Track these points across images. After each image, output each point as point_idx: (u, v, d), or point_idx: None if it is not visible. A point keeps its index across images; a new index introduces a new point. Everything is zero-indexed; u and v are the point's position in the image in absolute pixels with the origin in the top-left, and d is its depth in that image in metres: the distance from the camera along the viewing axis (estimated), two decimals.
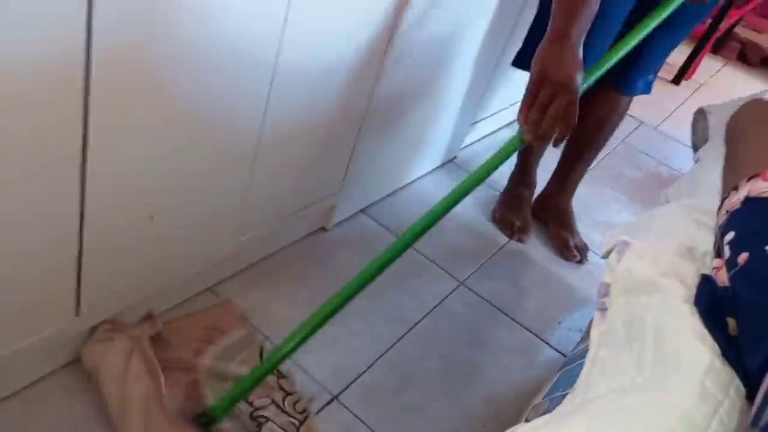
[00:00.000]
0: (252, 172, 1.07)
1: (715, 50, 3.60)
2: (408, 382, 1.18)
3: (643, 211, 1.92)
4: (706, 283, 0.56)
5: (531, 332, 1.39)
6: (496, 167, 0.93)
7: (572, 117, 0.86)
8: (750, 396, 0.49)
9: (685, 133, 1.31)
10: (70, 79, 0.69)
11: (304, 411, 1.03)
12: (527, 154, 1.64)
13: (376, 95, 1.24)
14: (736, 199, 0.63)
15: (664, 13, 1.08)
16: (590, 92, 1.18)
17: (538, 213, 1.71)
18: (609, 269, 0.60)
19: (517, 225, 1.63)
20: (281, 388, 1.05)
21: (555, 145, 0.91)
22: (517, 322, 1.40)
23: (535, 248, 1.65)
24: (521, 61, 1.47)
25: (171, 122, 0.86)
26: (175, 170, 0.92)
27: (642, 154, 2.27)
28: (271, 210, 1.21)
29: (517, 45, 1.70)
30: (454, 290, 1.43)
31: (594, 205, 1.93)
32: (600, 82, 1.07)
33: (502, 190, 1.74)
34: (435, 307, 1.37)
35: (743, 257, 0.56)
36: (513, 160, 1.70)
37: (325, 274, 1.34)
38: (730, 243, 0.58)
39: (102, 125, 0.76)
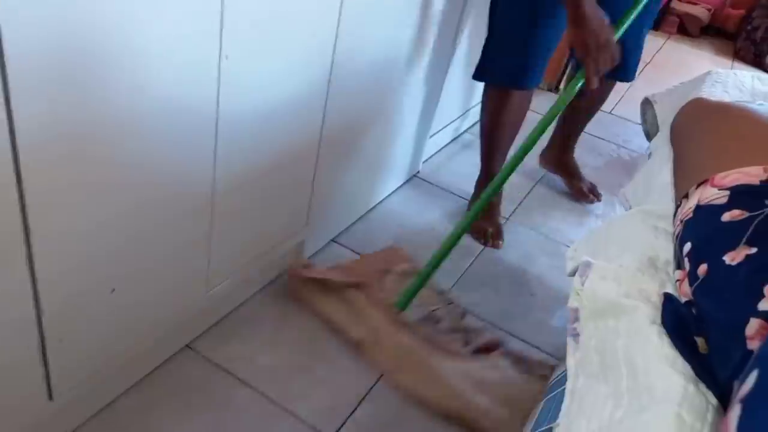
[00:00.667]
0: (212, 225, 1.05)
1: (656, 27, 3.68)
2: (402, 412, 1.17)
3: (609, 197, 1.94)
4: (668, 302, 0.56)
5: (519, 339, 1.39)
6: (564, 104, 1.29)
7: (616, 58, 1.26)
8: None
9: (638, 115, 1.33)
10: None
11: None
12: (492, 163, 1.66)
13: (326, 127, 1.24)
14: (687, 207, 0.63)
15: None
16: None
17: (549, 168, 1.95)
18: (574, 293, 0.60)
19: (490, 231, 1.65)
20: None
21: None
22: (504, 331, 1.40)
23: (510, 251, 1.66)
24: (481, 74, 1.52)
25: (116, 190, 0.83)
26: (129, 238, 0.90)
27: (601, 141, 2.30)
28: (238, 258, 1.19)
29: (461, 54, 1.71)
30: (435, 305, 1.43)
31: (562, 197, 1.95)
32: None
33: (469, 200, 1.75)
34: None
35: (702, 269, 0.56)
36: (476, 171, 1.71)
37: (304, 311, 1.33)
38: (688, 254, 0.59)
39: (40, 203, 0.73)
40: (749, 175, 0.60)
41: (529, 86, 1.49)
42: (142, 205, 0.89)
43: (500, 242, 1.65)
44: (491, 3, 1.45)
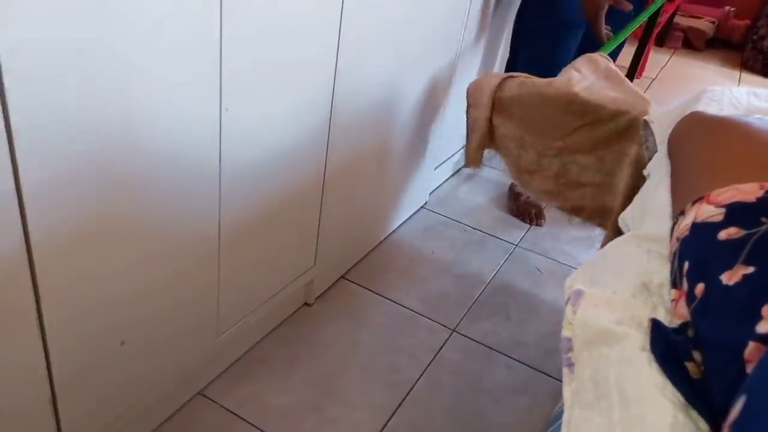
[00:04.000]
0: (219, 272, 1.07)
1: (660, 43, 3.69)
2: None
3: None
4: (656, 328, 0.56)
5: (531, 367, 1.37)
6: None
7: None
8: None
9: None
10: (6, 222, 0.70)
11: None
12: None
13: (329, 167, 1.26)
14: (684, 225, 0.63)
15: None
16: None
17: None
18: (567, 322, 0.60)
19: (533, 212, 1.86)
20: None
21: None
22: (516, 360, 1.38)
23: (519, 277, 1.65)
24: None
25: (123, 244, 0.86)
26: (138, 289, 0.92)
27: None
28: (246, 302, 1.20)
29: (459, 86, 1.74)
30: (447, 339, 1.42)
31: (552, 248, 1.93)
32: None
33: (508, 189, 1.95)
34: (431, 361, 1.36)
35: (700, 289, 0.55)
36: (483, 200, 1.73)
37: (315, 350, 1.33)
38: (687, 274, 0.58)
39: (48, 257, 0.75)
40: (745, 192, 0.59)
41: None
42: (149, 257, 0.91)
43: (543, 221, 1.86)
44: (517, 17, 1.69)
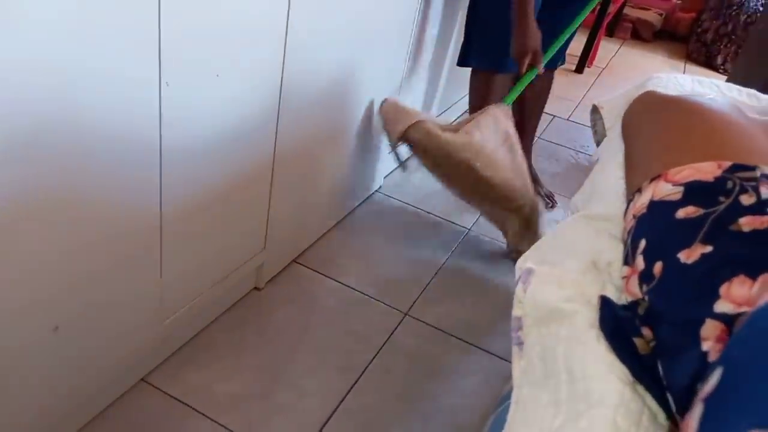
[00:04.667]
0: (162, 256, 1.03)
1: (610, 33, 3.77)
2: (368, 430, 1.15)
3: (569, 202, 1.96)
4: (605, 305, 0.56)
5: (483, 350, 1.38)
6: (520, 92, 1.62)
7: (541, 60, 1.57)
8: (669, 416, 0.48)
9: None
10: None
11: None
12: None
13: (279, 149, 1.22)
14: (641, 203, 0.62)
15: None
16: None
17: None
18: (517, 301, 0.60)
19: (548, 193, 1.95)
20: None
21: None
22: (468, 342, 1.39)
23: (472, 262, 1.66)
24: (466, 61, 1.75)
25: (57, 225, 0.81)
26: (72, 273, 0.87)
27: (559, 147, 2.33)
28: (192, 286, 1.16)
29: (413, 69, 1.73)
30: (399, 323, 1.41)
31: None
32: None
33: None
34: (383, 344, 1.35)
35: (658, 267, 0.54)
36: (436, 185, 1.74)
37: (264, 335, 1.30)
38: (643, 252, 0.57)
39: None
40: (703, 171, 0.59)
41: (510, 70, 1.67)
42: (85, 239, 0.86)
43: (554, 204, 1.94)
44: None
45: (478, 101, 1.75)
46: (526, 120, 1.93)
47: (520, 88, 1.62)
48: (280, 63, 1.11)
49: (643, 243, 0.58)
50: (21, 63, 0.67)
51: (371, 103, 1.56)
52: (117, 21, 0.76)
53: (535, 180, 1.97)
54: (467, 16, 1.73)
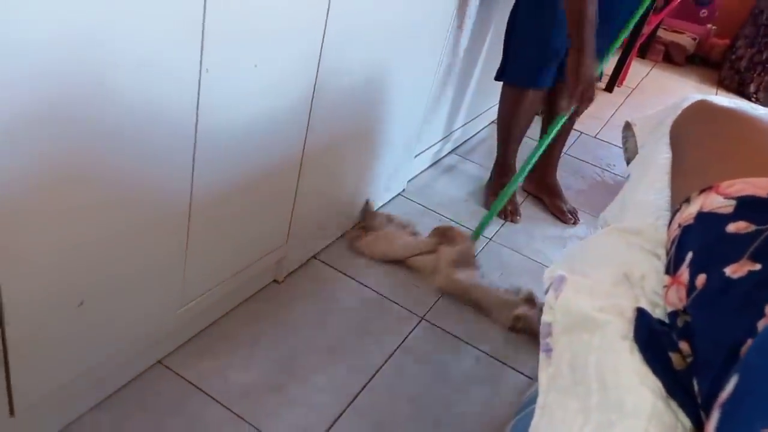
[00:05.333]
0: (188, 241, 1.03)
1: (642, 55, 3.74)
2: (377, 430, 1.15)
3: (593, 219, 1.95)
4: (641, 317, 0.55)
5: (496, 359, 1.37)
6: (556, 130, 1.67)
7: (593, 97, 1.55)
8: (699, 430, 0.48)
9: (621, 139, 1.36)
10: None
11: None
12: (507, 152, 1.91)
13: (309, 143, 1.23)
14: (688, 213, 0.60)
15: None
16: (560, 90, 1.75)
17: (531, 191, 2.03)
18: (548, 307, 0.59)
19: (509, 209, 1.88)
20: None
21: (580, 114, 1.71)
22: (481, 351, 1.38)
23: (491, 270, 1.65)
24: (502, 75, 1.79)
25: (93, 207, 0.82)
26: (100, 251, 0.88)
27: (586, 164, 2.31)
28: (214, 274, 1.17)
29: (445, 76, 1.74)
30: (415, 327, 1.41)
31: (545, 219, 1.95)
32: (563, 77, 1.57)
33: (485, 183, 1.98)
34: (398, 347, 1.35)
35: (701, 279, 0.53)
36: (460, 192, 1.74)
37: (281, 328, 1.30)
38: (690, 264, 0.56)
39: (7, 215, 0.71)
40: (757, 186, 0.57)
41: (542, 86, 1.74)
42: (114, 218, 0.87)
43: (518, 218, 1.89)
44: (511, 15, 1.72)
45: (507, 114, 1.83)
46: (553, 150, 1.93)
47: (553, 130, 1.66)
48: (316, 59, 1.12)
49: (690, 255, 0.56)
50: (58, 34, 0.67)
51: (400, 105, 1.56)
52: (164, 9, 0.77)
53: (558, 195, 1.98)
54: (505, 33, 1.75)
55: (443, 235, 1.61)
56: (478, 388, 1.29)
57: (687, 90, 3.47)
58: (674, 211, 0.65)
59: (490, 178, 1.97)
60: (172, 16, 0.79)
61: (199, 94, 0.90)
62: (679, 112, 1.10)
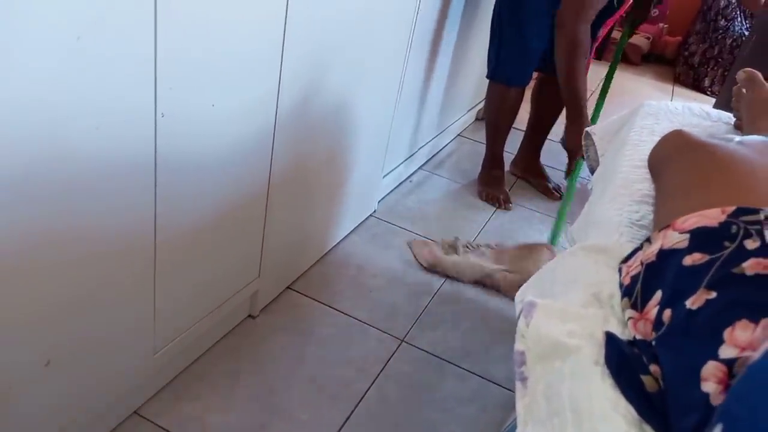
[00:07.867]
0: (155, 285, 1.01)
1: (598, 56, 3.81)
2: None
3: (569, 225, 1.96)
4: (611, 342, 0.55)
5: (479, 376, 1.37)
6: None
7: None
8: None
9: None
10: None
11: None
12: (496, 144, 2.09)
13: (274, 174, 1.22)
14: (650, 251, 0.63)
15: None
16: (544, 81, 2.06)
17: (519, 174, 2.26)
18: (520, 335, 0.59)
19: (501, 198, 2.05)
20: None
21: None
22: (464, 369, 1.38)
23: (468, 287, 1.65)
24: (493, 75, 1.97)
25: (48, 254, 0.79)
26: (63, 305, 0.85)
27: (553, 170, 2.34)
28: (186, 316, 1.15)
29: (406, 95, 1.74)
30: (396, 350, 1.40)
31: (519, 229, 1.96)
32: (550, 71, 1.84)
33: (477, 176, 2.14)
34: (380, 372, 1.33)
35: (666, 315, 0.55)
36: (431, 207, 1.74)
37: (259, 364, 1.28)
38: (658, 304, 0.57)
39: None
40: (708, 217, 0.59)
41: (524, 84, 1.98)
42: (76, 268, 0.85)
43: (510, 204, 2.06)
44: (493, 22, 1.91)
45: (494, 110, 2.03)
46: (540, 137, 2.21)
47: (569, 197, 1.81)
48: (275, 90, 1.12)
49: (658, 294, 0.58)
50: (12, 102, 0.66)
51: (365, 127, 1.57)
52: (112, 53, 0.76)
53: (541, 175, 2.22)
54: (490, 38, 1.94)
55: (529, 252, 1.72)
56: (463, 407, 1.28)
57: (644, 88, 3.55)
58: (635, 249, 0.66)
59: (482, 169, 2.15)
60: (122, 66, 0.77)
61: (155, 139, 0.88)
62: (635, 119, 1.12)
